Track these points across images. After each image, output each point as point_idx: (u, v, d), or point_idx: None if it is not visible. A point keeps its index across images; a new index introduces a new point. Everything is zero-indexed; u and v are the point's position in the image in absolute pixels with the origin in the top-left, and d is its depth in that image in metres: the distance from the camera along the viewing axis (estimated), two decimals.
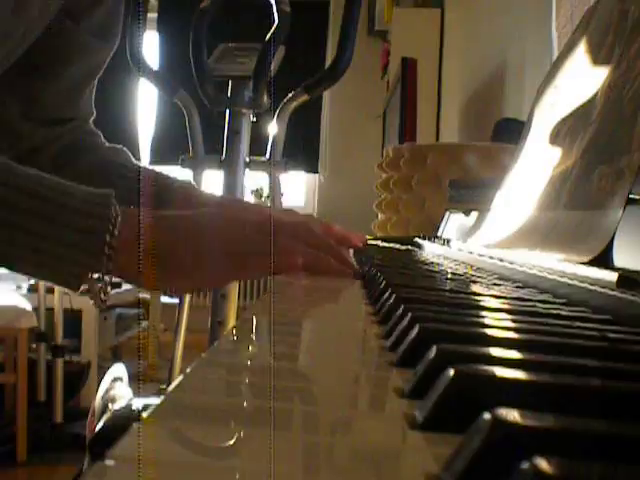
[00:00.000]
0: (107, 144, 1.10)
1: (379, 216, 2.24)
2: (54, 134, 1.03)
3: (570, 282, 0.56)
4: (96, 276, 0.70)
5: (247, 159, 1.80)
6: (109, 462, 0.19)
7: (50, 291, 3.13)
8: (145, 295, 4.51)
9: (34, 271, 0.71)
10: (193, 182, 1.16)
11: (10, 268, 0.71)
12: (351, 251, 1.18)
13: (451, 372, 0.24)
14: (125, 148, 1.08)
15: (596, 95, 0.72)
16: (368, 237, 1.65)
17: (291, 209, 0.93)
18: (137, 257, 0.69)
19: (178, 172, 1.45)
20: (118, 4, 1.03)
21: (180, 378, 0.28)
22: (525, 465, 0.16)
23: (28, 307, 3.00)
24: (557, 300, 0.55)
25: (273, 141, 1.81)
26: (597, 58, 0.78)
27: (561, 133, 0.81)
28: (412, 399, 0.27)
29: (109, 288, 0.72)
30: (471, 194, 1.50)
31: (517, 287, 0.65)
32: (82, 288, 0.72)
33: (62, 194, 0.69)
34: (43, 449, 2.89)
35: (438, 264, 0.94)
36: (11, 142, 0.80)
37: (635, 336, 0.38)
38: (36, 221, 0.67)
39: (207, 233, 0.75)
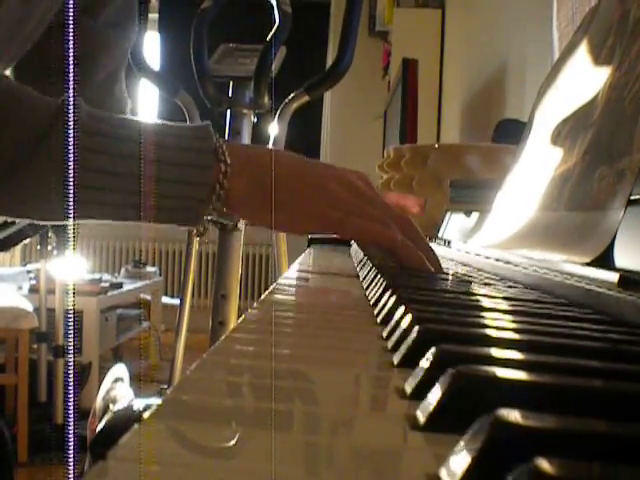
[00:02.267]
0: None
1: None
2: None
3: (571, 282, 0.56)
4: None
5: None
6: (110, 462, 0.19)
7: (51, 292, 3.13)
8: (146, 296, 4.52)
9: (154, 217, 0.71)
10: None
11: (129, 219, 0.72)
12: (355, 249, 1.18)
13: (452, 372, 0.24)
14: None
15: (597, 96, 0.72)
16: None
17: None
18: (245, 186, 0.71)
19: None
20: None
21: (181, 379, 0.28)
22: (526, 466, 0.16)
23: (29, 308, 3.00)
24: (558, 300, 0.55)
25: (274, 142, 1.81)
26: (598, 59, 0.78)
27: (562, 134, 0.81)
28: (413, 400, 0.27)
29: (214, 217, 0.73)
30: (472, 195, 1.50)
31: (518, 288, 0.65)
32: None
33: (158, 134, 0.70)
34: (44, 450, 2.89)
35: None
36: None
37: (636, 337, 0.38)
38: (139, 165, 0.68)
39: (318, 176, 0.75)
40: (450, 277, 0.73)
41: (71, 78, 0.74)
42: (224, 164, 0.70)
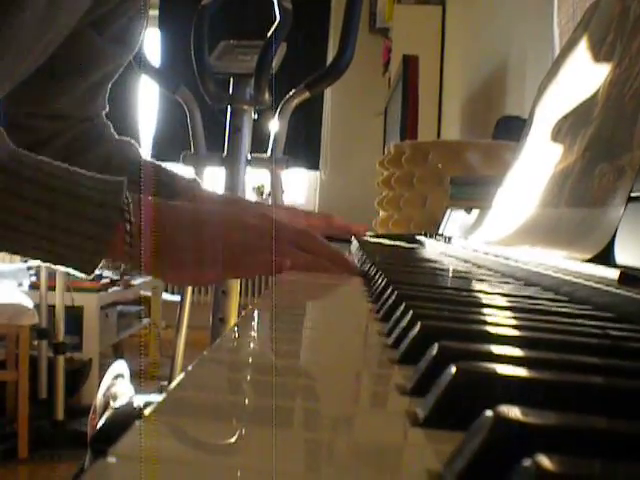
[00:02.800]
0: (116, 137, 1.10)
1: (380, 213, 2.24)
2: (62, 127, 1.03)
3: (572, 279, 0.56)
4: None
5: (248, 156, 1.80)
6: (111, 459, 0.19)
7: (52, 288, 3.13)
8: (147, 292, 4.52)
9: (50, 260, 0.73)
10: (197, 179, 1.18)
11: (26, 256, 0.74)
12: (355, 247, 1.18)
13: (453, 369, 0.24)
14: (134, 141, 1.09)
15: (597, 92, 0.72)
16: (369, 234, 1.65)
17: (293, 207, 0.94)
18: (144, 244, 0.72)
19: (179, 169, 1.45)
20: (141, 11, 1.03)
21: (182, 375, 0.28)
22: (527, 462, 0.16)
23: (29, 304, 3.00)
24: (559, 297, 0.55)
25: (274, 138, 1.81)
26: (598, 55, 0.78)
27: (562, 130, 0.81)
28: (414, 396, 0.27)
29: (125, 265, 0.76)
30: (472, 191, 1.50)
31: (519, 284, 0.65)
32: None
33: (72, 183, 0.71)
34: (44, 446, 2.89)
35: (439, 261, 0.94)
36: (15, 136, 0.82)
37: (637, 333, 0.38)
38: (47, 212, 0.69)
39: (209, 229, 0.77)
40: (451, 274, 0.73)
41: None
42: (129, 223, 0.71)
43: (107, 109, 1.11)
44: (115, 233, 0.71)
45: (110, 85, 1.08)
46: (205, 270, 0.76)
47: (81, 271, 0.73)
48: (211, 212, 0.82)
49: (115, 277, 3.95)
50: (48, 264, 0.73)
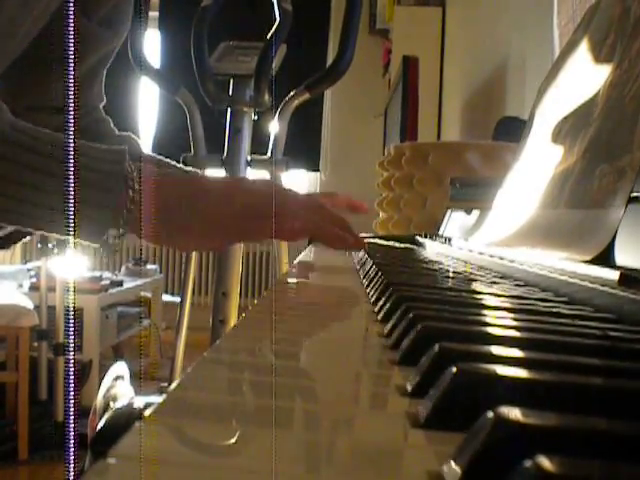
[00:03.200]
0: (117, 132, 1.10)
1: (380, 214, 2.24)
2: (62, 122, 1.03)
3: (572, 280, 0.56)
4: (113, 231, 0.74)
5: (248, 158, 1.80)
6: (111, 460, 0.19)
7: (51, 289, 3.13)
8: (147, 294, 4.52)
9: (57, 230, 0.73)
10: (199, 171, 1.18)
11: (30, 227, 0.73)
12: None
13: (453, 370, 0.24)
14: (134, 136, 1.09)
15: (597, 94, 0.72)
16: (369, 235, 1.65)
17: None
18: (145, 211, 0.72)
19: None
20: None
21: (182, 377, 0.28)
22: (527, 463, 0.16)
23: (29, 305, 3.00)
24: (559, 298, 0.55)
25: (274, 139, 1.81)
26: (598, 57, 0.78)
27: (562, 132, 0.81)
28: (414, 397, 0.27)
29: (123, 238, 0.76)
30: (472, 193, 1.50)
31: (518, 285, 0.65)
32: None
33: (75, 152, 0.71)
34: (44, 447, 2.89)
35: (439, 263, 0.94)
36: None
37: (637, 334, 0.38)
38: (52, 181, 0.69)
39: (212, 194, 0.77)
40: (451, 275, 0.73)
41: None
42: (132, 190, 0.72)
43: (104, 100, 1.11)
44: (120, 201, 0.72)
45: (105, 72, 1.08)
46: (209, 235, 0.76)
47: (88, 240, 0.73)
48: (215, 180, 0.82)
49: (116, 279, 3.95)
50: (55, 234, 0.73)
